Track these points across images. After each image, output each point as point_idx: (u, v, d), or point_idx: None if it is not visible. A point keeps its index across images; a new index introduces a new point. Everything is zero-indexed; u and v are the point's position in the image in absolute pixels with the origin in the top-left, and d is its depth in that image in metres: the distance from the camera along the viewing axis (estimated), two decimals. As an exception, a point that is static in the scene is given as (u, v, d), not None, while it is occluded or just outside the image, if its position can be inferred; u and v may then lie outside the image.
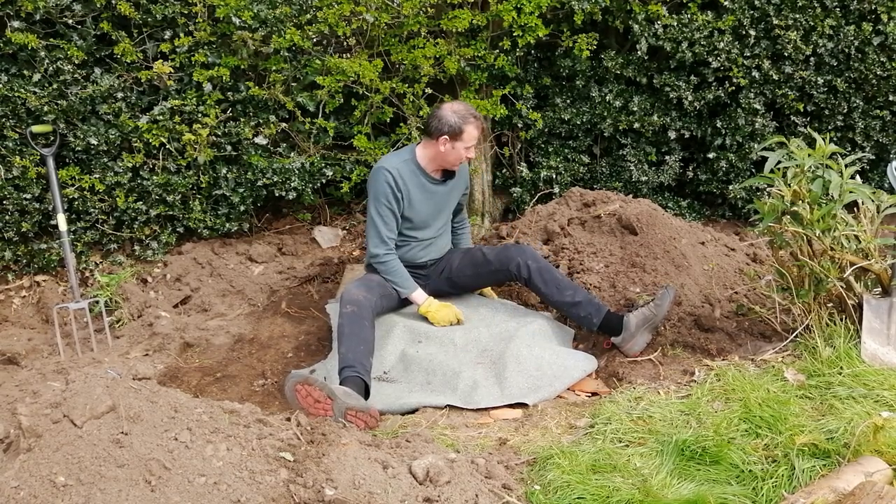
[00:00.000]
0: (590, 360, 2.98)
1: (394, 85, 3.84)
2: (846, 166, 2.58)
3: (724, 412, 2.30)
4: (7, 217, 3.54)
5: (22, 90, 3.39)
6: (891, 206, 2.63)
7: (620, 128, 4.27)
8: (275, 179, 3.83)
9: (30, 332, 3.49)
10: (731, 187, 4.38)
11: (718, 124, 4.25)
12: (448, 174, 3.14)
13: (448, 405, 2.67)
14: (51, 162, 3.41)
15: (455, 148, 2.98)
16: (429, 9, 3.76)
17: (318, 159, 3.91)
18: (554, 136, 4.39)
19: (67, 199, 3.59)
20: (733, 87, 4.14)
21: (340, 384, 2.58)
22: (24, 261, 3.71)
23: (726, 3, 4.00)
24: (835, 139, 4.30)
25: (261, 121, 3.77)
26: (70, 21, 3.49)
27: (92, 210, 3.67)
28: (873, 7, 4.11)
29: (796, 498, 1.83)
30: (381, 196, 2.97)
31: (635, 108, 4.19)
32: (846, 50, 4.14)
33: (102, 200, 3.68)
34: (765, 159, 2.71)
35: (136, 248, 3.85)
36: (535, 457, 2.19)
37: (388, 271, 3.05)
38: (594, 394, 2.79)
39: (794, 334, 2.75)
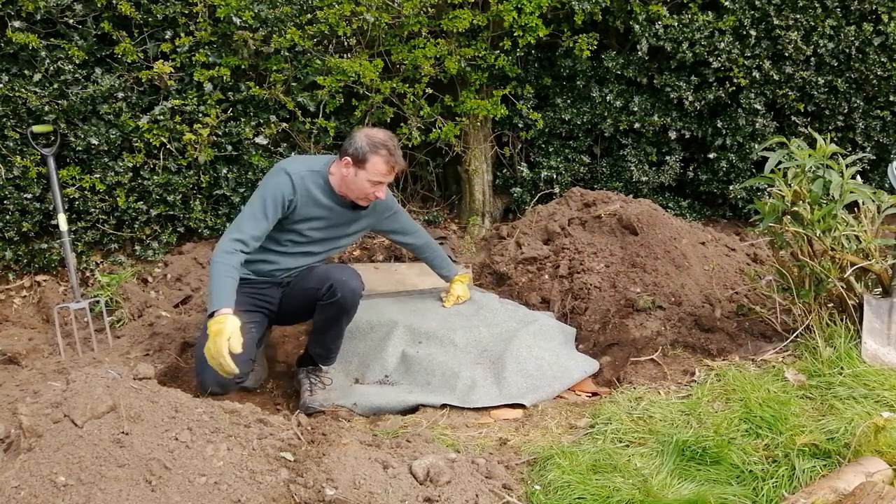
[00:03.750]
0: (590, 362, 2.98)
1: (394, 85, 3.84)
2: (847, 166, 2.59)
3: (724, 412, 2.30)
4: (8, 217, 3.54)
5: (23, 90, 3.39)
6: (891, 206, 2.63)
7: (621, 128, 4.27)
8: (275, 179, 3.83)
9: (30, 332, 3.49)
10: (731, 187, 4.38)
11: (719, 124, 4.25)
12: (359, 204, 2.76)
13: (447, 405, 2.67)
14: (51, 162, 3.41)
15: (358, 176, 2.65)
16: (429, 9, 3.75)
17: (318, 159, 3.92)
18: (554, 136, 4.39)
19: (68, 199, 3.59)
20: (734, 88, 4.14)
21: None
22: (25, 260, 3.70)
23: (727, 3, 4.00)
24: (835, 139, 4.30)
25: (261, 121, 3.76)
26: (71, 21, 3.48)
27: (92, 210, 3.67)
28: (874, 7, 4.11)
29: (797, 498, 1.83)
30: (269, 198, 2.60)
31: (636, 109, 4.19)
32: (847, 50, 4.14)
33: (103, 200, 3.68)
34: (765, 159, 2.72)
35: (137, 247, 3.85)
36: (535, 457, 2.19)
37: (217, 274, 2.44)
38: (594, 394, 2.79)
39: (794, 334, 2.75)
